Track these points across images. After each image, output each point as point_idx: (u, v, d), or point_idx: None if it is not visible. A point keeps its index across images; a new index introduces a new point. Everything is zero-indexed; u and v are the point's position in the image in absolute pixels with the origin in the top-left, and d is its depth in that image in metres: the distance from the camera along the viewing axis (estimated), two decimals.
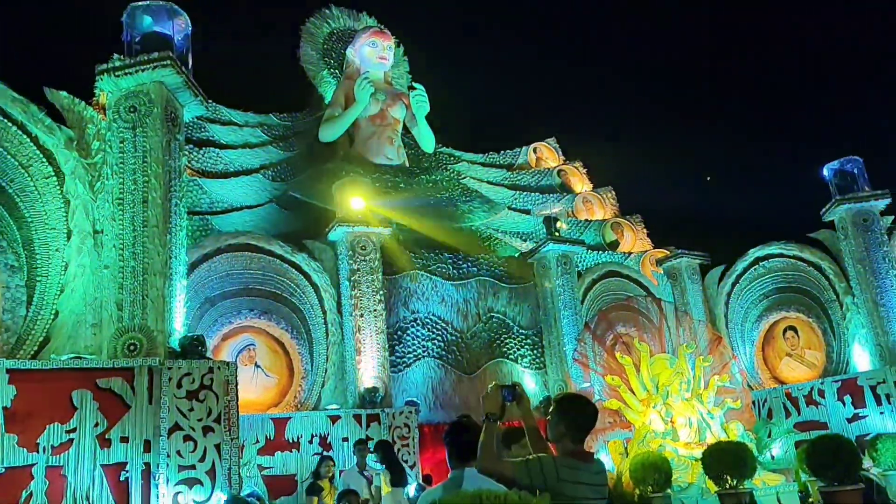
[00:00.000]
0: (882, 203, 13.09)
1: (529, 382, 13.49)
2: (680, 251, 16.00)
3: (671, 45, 29.98)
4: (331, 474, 8.47)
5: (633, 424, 9.06)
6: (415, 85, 17.35)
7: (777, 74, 30.10)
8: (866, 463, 8.50)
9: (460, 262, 13.85)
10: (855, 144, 14.35)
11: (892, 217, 13.53)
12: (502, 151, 19.66)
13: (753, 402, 14.15)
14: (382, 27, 17.42)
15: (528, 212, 17.34)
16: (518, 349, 13.80)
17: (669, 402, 8.93)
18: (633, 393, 9.20)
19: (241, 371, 11.08)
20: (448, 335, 13.21)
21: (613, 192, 19.32)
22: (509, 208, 17.88)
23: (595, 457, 3.44)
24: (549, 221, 14.52)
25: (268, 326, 11.40)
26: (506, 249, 15.86)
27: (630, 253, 17.84)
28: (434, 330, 13.12)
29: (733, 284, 15.34)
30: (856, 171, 13.45)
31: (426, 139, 17.42)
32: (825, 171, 13.69)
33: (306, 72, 17.61)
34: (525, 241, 16.72)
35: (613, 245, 18.19)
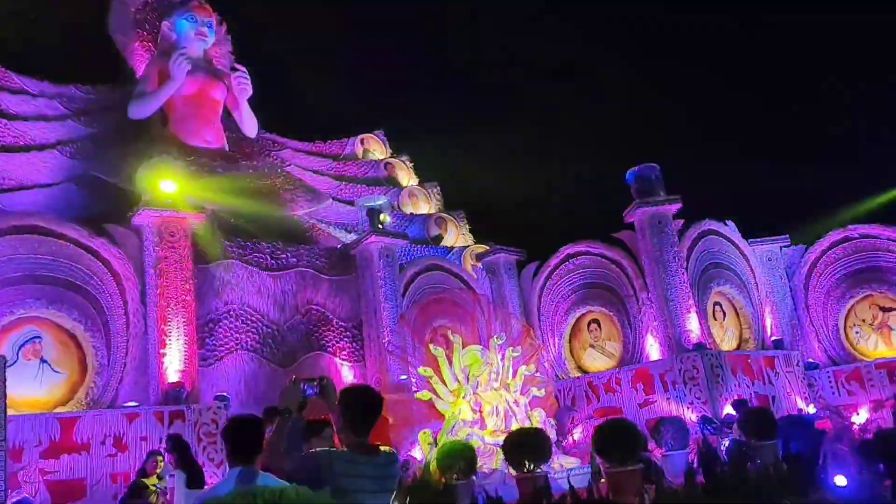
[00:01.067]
0: (674, 207, 14.31)
1: (347, 375, 13.37)
2: (498, 247, 16.59)
3: (497, 49, 31.10)
4: (158, 471, 7.87)
5: (444, 415, 9.25)
6: (237, 66, 16.59)
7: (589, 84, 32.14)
8: (651, 444, 9.31)
9: (279, 253, 13.42)
10: (655, 151, 15.62)
11: (683, 220, 14.87)
12: (329, 141, 19.36)
13: (560, 391, 15.05)
14: (203, 1, 16.45)
15: (353, 203, 17.17)
16: (337, 342, 13.62)
17: (479, 393, 9.21)
18: (445, 384, 9.39)
19: (25, 367, 10.05)
20: (264, 327, 12.76)
21: (439, 188, 19.68)
22: (334, 199, 17.65)
23: (386, 449, 3.38)
24: (373, 214, 14.45)
25: (57, 317, 10.36)
26: (328, 240, 15.61)
27: (452, 248, 18.26)
28: (248, 322, 12.62)
29: (546, 280, 16.15)
30: (653, 177, 14.59)
31: (248, 123, 16.73)
32: (628, 176, 14.74)
33: (115, 42, 16.26)
34: (350, 232, 16.57)
35: (437, 239, 18.52)
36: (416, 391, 10.46)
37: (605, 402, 14.26)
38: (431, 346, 9.54)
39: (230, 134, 16.69)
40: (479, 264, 16.89)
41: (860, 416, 14.16)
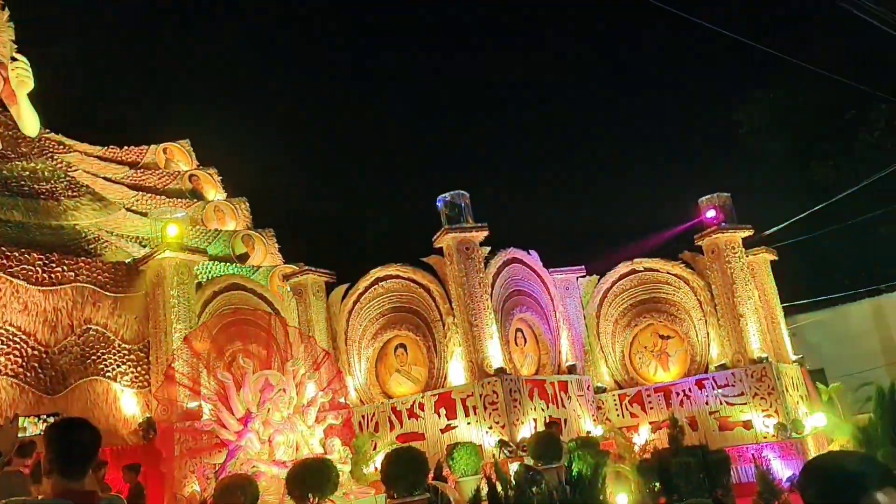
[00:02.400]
0: (481, 234, 14.64)
1: (129, 402, 12.14)
2: (307, 268, 16.06)
3: (311, 69, 30.71)
4: None
5: (227, 445, 8.58)
6: (17, 56, 14.81)
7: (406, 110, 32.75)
8: (446, 470, 9.26)
9: (53, 265, 11.96)
10: (464, 179, 15.99)
11: (490, 248, 15.26)
12: (127, 147, 17.82)
13: (364, 417, 14.75)
14: None
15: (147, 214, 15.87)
16: (118, 366, 12.35)
17: (268, 420, 8.65)
18: (232, 412, 8.73)
19: None
20: (28, 349, 11.25)
21: (247, 204, 18.79)
22: (128, 210, 16.22)
23: (109, 497, 2.87)
24: (169, 227, 13.37)
25: None
26: (116, 254, 14.24)
27: (259, 267, 17.45)
28: (10, 343, 11.07)
29: (354, 303, 15.84)
30: (462, 203, 14.86)
31: (28, 121, 14.97)
32: (438, 202, 14.91)
33: None
34: (145, 246, 15.27)
35: (243, 257, 17.63)
36: (207, 419, 9.67)
37: (409, 428, 14.15)
38: (219, 372, 8.85)
39: (5, 131, 14.81)
40: (286, 285, 16.25)
41: (640, 437, 15.21)
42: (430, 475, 8.07)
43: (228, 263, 16.76)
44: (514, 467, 8.75)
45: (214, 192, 18.63)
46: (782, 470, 13.71)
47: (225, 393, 8.67)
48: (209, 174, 18.66)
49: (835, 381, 19.96)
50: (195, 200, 17.87)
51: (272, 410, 8.59)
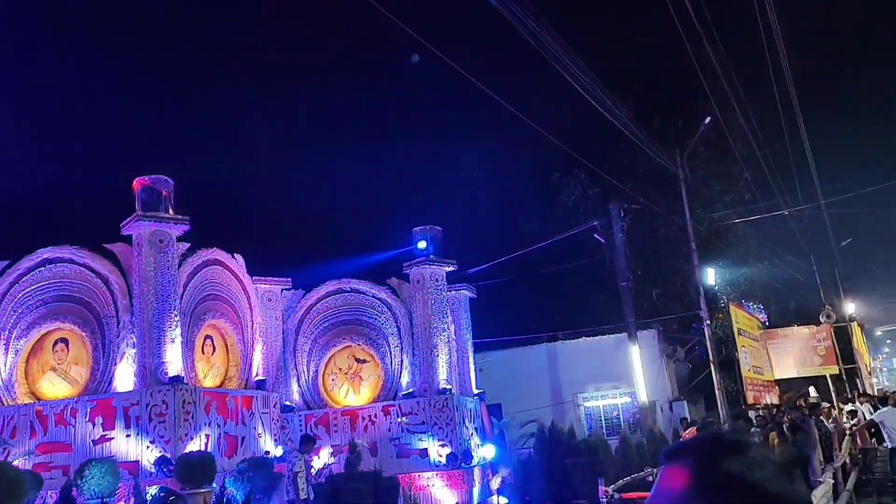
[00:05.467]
0: (181, 229, 13.26)
1: None
2: None
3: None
4: None
5: None
6: None
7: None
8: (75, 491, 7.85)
9: None
10: (171, 166, 14.46)
11: (189, 245, 13.90)
12: None
13: (3, 419, 12.38)
14: None
15: None
16: None
17: None
18: None
19: None
20: None
21: None
22: None
23: None
24: None
25: None
26: None
27: None
28: None
29: (12, 285, 13.37)
30: (163, 190, 13.38)
31: None
32: (135, 185, 13.25)
33: None
34: None
35: None
36: None
37: (53, 436, 12.12)
38: None
39: None
40: None
41: (321, 460, 14.79)
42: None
43: None
44: (152, 490, 7.71)
45: None
46: (449, 498, 14.22)
47: None
48: None
49: (509, 415, 21.61)
50: None
51: None
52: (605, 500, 9.15)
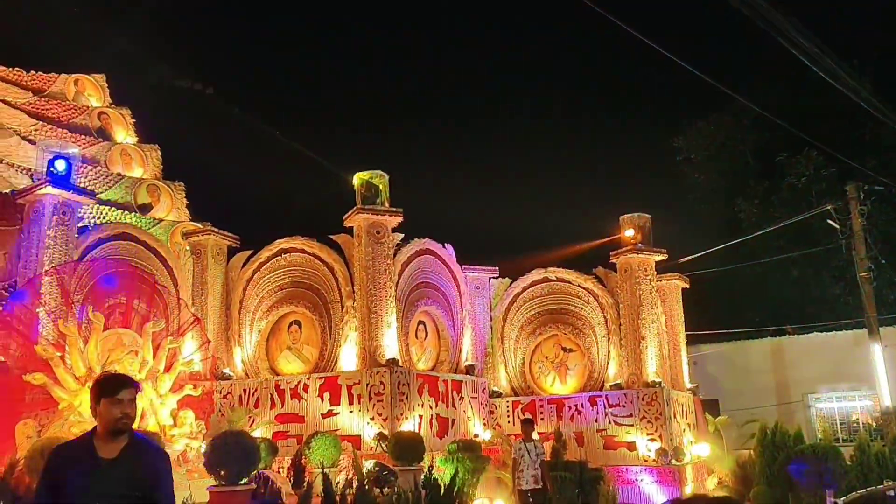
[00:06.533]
0: (395, 220, 14.09)
1: None
2: (211, 228, 15.21)
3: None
4: None
5: (59, 404, 7.83)
6: None
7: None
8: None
9: None
10: (387, 162, 15.41)
11: (403, 235, 14.74)
12: (33, 71, 16.54)
13: (245, 391, 14.04)
14: None
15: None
16: None
17: None
18: (71, 368, 7.97)
19: None
20: None
21: (159, 152, 17.72)
22: (24, 138, 15.04)
23: None
24: (56, 161, 12.35)
25: None
26: (3, 184, 13.13)
27: (161, 220, 16.49)
28: None
29: (254, 272, 15.10)
30: (380, 185, 14.30)
31: None
32: (355, 180, 14.30)
33: None
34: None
35: (145, 208, 16.62)
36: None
37: (289, 408, 13.53)
38: (60, 323, 8.07)
39: None
40: (186, 243, 15.35)
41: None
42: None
43: (127, 212, 15.73)
44: (368, 464, 8.31)
45: (125, 134, 17.49)
46: (658, 494, 13.73)
47: (65, 346, 7.90)
48: (121, 114, 17.48)
49: (727, 413, 20.30)
50: (101, 140, 16.74)
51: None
52: None
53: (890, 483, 10.06)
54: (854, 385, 20.93)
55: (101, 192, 15.76)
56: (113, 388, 3.23)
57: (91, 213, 14.52)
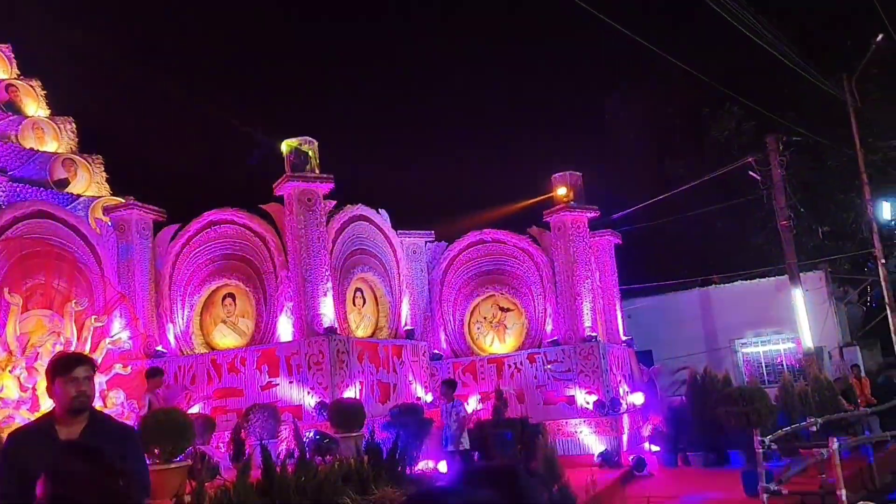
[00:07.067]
0: (326, 186, 13.85)
1: None
2: (132, 203, 14.65)
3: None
4: None
5: None
6: None
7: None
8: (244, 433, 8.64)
9: None
10: (316, 127, 15.10)
11: (335, 203, 14.52)
12: None
13: (181, 367, 13.72)
14: None
15: None
16: None
17: (37, 366, 7.62)
18: None
19: None
20: None
21: (73, 125, 16.87)
22: None
23: None
24: None
25: None
26: None
27: (80, 196, 15.79)
28: None
29: (184, 246, 14.64)
30: (311, 152, 14.00)
31: None
32: (283, 147, 13.95)
33: None
34: None
35: (61, 183, 15.86)
36: None
37: (227, 383, 13.30)
38: None
39: None
40: (107, 219, 14.76)
41: (469, 406, 15.18)
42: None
43: (42, 188, 14.99)
44: (309, 434, 8.27)
45: (36, 106, 16.55)
46: (596, 445, 14.17)
47: None
48: (31, 86, 16.51)
49: (660, 362, 21.05)
50: (11, 114, 15.81)
51: (41, 355, 7.56)
52: (761, 450, 8.72)
53: (812, 419, 10.61)
54: (777, 329, 21.97)
55: (14, 169, 14.94)
56: (67, 367, 3.13)
57: (3, 191, 13.77)
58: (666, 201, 22.56)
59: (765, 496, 8.52)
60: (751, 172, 19.80)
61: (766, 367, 22.37)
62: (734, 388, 13.72)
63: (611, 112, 29.10)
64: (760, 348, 22.60)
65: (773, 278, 22.23)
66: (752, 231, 25.23)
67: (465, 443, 11.03)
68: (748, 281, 22.93)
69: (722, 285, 23.46)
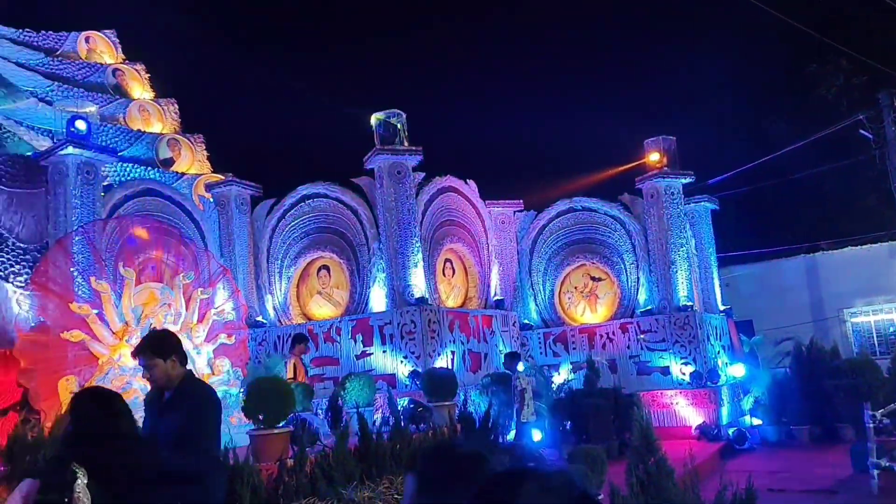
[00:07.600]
0: (415, 159, 13.97)
1: (21, 305, 11.40)
2: (231, 179, 15.24)
3: None
4: None
5: (99, 359, 8.02)
6: None
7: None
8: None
9: None
10: (404, 100, 15.20)
11: (424, 174, 14.62)
12: (43, 32, 16.41)
13: (280, 337, 14.29)
14: None
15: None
16: (11, 265, 11.54)
17: None
18: (108, 324, 8.13)
19: None
20: None
21: (176, 106, 17.63)
22: (41, 100, 15.04)
23: None
24: (75, 121, 12.36)
25: None
26: (19, 146, 13.20)
27: (184, 174, 16.54)
28: None
29: (279, 220, 15.17)
30: (399, 125, 14.13)
31: None
32: (372, 121, 14.12)
33: None
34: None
35: (167, 163, 16.65)
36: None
37: (324, 352, 13.77)
38: (93, 280, 8.20)
39: None
40: (209, 195, 15.43)
41: (560, 376, 15.13)
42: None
43: (150, 168, 15.79)
44: (403, 402, 8.45)
45: (141, 90, 17.39)
46: (694, 417, 13.84)
47: (101, 303, 8.05)
48: (136, 70, 17.35)
49: (762, 333, 20.22)
50: (118, 97, 16.67)
51: (154, 326, 8.03)
52: (871, 425, 8.28)
53: None
54: (890, 298, 20.66)
55: (123, 150, 15.80)
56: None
57: (115, 171, 14.59)
58: (767, 164, 21.49)
59: (875, 472, 8.12)
60: (861, 131, 18.53)
61: (877, 337, 21.12)
62: (843, 361, 13.05)
63: (705, 71, 27.81)
64: (871, 318, 21.33)
65: (885, 243, 20.86)
66: (863, 194, 23.70)
67: (527, 415, 10.93)
68: (859, 246, 21.59)
69: (830, 251, 22.19)
